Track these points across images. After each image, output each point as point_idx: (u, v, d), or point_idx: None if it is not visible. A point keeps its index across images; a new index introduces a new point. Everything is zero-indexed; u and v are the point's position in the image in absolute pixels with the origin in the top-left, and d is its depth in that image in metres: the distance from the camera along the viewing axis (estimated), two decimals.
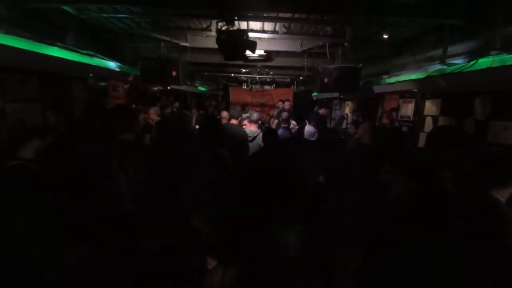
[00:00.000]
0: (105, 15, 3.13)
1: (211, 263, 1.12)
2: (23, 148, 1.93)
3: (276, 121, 4.99)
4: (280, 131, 4.36)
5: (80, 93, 3.82)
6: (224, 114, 4.32)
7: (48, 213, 1.54)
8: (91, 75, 3.87)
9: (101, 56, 3.56)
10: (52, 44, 2.76)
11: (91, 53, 3.38)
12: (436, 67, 2.93)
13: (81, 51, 3.19)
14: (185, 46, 4.22)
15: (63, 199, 1.60)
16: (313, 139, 4.26)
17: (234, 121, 3.45)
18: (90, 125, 2.89)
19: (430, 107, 3.87)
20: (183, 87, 5.93)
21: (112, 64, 3.86)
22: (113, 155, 1.84)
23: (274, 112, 6.11)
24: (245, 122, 3.74)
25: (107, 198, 1.68)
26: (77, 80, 3.73)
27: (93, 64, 3.39)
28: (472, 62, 2.40)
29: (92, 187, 1.66)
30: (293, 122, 4.94)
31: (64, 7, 2.92)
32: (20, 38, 2.38)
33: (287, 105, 5.58)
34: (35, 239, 1.32)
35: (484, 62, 2.31)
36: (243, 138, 3.20)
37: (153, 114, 4.40)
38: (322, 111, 5.11)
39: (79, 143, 2.06)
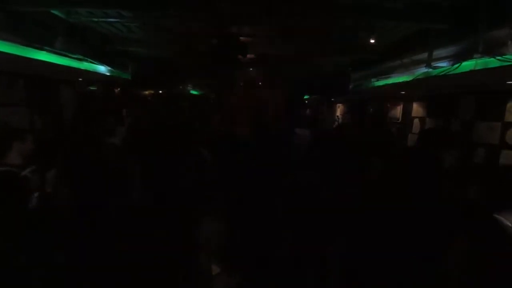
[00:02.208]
0: (95, 19, 3.10)
1: (215, 269, 1.08)
2: (7, 153, 1.89)
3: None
4: (280, 133, 4.39)
5: (69, 97, 3.77)
6: (219, 117, 4.26)
7: (36, 216, 1.52)
8: (80, 79, 3.82)
9: (91, 60, 3.52)
10: (40, 48, 2.72)
11: (81, 57, 3.34)
12: (422, 70, 3.02)
13: (70, 55, 3.15)
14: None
15: (53, 202, 1.57)
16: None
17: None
18: (80, 130, 2.86)
19: (417, 108, 3.97)
20: (175, 91, 5.91)
21: (102, 68, 3.82)
22: (101, 158, 1.83)
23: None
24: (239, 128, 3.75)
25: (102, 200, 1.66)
26: (66, 84, 3.67)
27: (83, 68, 3.35)
28: (456, 65, 2.48)
29: (85, 189, 1.64)
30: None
31: (53, 11, 2.89)
32: (7, 42, 2.33)
33: (271, 104, 5.61)
34: (24, 242, 1.30)
35: (467, 65, 2.40)
36: (239, 142, 3.21)
37: (145, 118, 4.37)
38: (306, 112, 5.19)
39: (69, 147, 2.03)
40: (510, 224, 1.17)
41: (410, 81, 3.16)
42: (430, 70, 2.88)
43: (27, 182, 1.83)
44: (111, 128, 2.16)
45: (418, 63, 3.18)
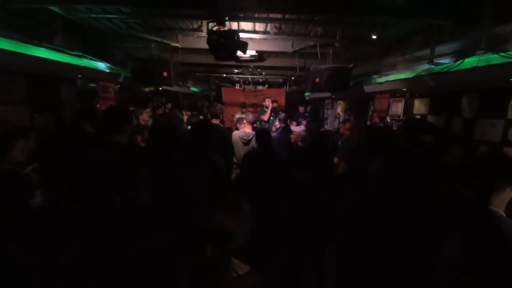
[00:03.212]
0: (94, 15, 3.08)
1: (243, 267, 1.03)
2: (9, 151, 1.89)
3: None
4: (279, 132, 4.38)
5: (69, 94, 3.75)
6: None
7: (38, 215, 1.52)
8: (80, 76, 3.80)
9: (91, 57, 3.50)
10: (40, 45, 2.71)
11: (80, 54, 3.32)
12: (424, 66, 2.99)
13: (70, 52, 3.13)
14: (176, 47, 4.19)
15: (55, 202, 1.57)
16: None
17: (215, 121, 3.41)
18: (81, 128, 2.84)
19: (419, 106, 3.94)
20: (175, 88, 5.88)
21: (102, 65, 3.80)
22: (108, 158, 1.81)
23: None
24: (241, 126, 3.71)
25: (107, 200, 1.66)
26: (66, 81, 3.66)
27: (82, 65, 3.34)
28: (458, 62, 2.45)
29: (90, 190, 1.63)
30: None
31: (52, 8, 2.87)
32: (6, 39, 2.32)
33: (267, 101, 5.59)
34: (26, 242, 1.30)
35: (470, 62, 2.37)
36: (225, 138, 3.19)
37: (145, 116, 4.35)
38: (300, 108, 5.15)
39: (72, 146, 2.02)
40: (504, 214, 1.16)
41: (412, 77, 3.13)
42: (432, 66, 2.85)
43: (28, 181, 1.84)
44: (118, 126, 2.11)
45: (420, 59, 3.15)
